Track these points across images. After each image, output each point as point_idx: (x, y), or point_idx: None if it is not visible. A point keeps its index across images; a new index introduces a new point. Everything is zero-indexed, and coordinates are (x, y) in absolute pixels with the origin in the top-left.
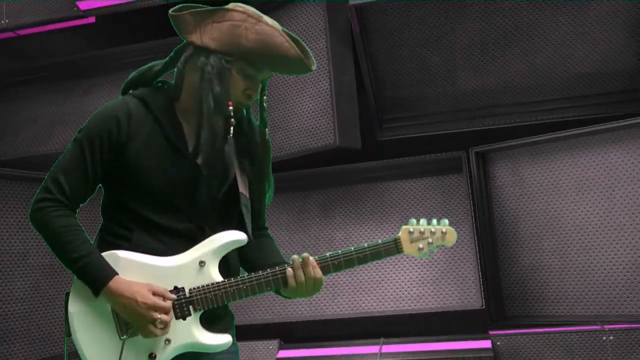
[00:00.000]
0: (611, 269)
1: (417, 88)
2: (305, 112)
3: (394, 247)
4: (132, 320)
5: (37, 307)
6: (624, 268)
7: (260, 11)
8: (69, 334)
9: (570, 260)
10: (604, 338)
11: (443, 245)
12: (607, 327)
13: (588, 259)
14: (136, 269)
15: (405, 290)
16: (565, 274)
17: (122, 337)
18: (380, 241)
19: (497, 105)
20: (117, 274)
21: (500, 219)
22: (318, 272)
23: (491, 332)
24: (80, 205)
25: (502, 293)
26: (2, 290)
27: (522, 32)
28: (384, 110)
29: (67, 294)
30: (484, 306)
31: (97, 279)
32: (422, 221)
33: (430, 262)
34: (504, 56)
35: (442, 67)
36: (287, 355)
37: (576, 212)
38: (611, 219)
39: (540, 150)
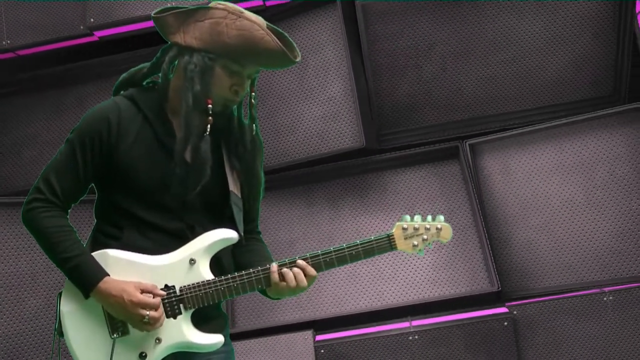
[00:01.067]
0: (598, 239)
1: (411, 98)
2: (323, 114)
3: (387, 244)
4: (123, 318)
5: (48, 324)
6: (608, 236)
7: (279, 17)
8: (61, 333)
9: (560, 235)
10: (605, 299)
11: (438, 242)
12: (606, 289)
13: (575, 232)
14: (126, 268)
15: (422, 276)
16: (556, 247)
17: (112, 337)
18: (373, 237)
19: (483, 116)
20: (107, 274)
21: (490, 203)
22: (311, 271)
23: (507, 304)
24: (72, 205)
25: (500, 271)
26: (13, 310)
27: (506, 38)
28: (382, 121)
29: (60, 294)
30: (500, 288)
31: (87, 281)
32: (417, 217)
33: (438, 246)
34: (491, 63)
35: (434, 74)
36: (325, 338)
37: (561, 193)
38: (592, 196)
39: (524, 141)
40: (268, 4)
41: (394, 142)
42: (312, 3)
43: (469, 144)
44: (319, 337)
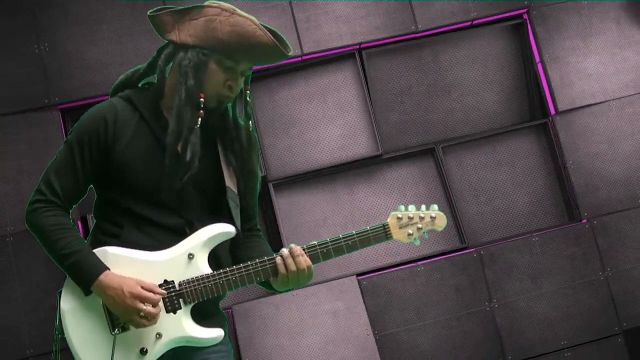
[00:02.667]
0: (521, 204)
1: (401, 125)
2: (342, 133)
3: (383, 233)
4: (120, 311)
5: None
6: (528, 202)
7: (312, 64)
8: (61, 331)
9: (498, 205)
10: (533, 240)
11: (433, 230)
12: (534, 234)
13: (508, 201)
14: (126, 264)
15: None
16: (497, 212)
17: (113, 333)
18: (368, 227)
19: (446, 138)
20: (108, 269)
21: (453, 184)
22: (307, 260)
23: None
24: (73, 206)
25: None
26: None
27: (456, 81)
28: (383, 138)
29: (59, 292)
30: (467, 244)
31: (88, 275)
32: (411, 207)
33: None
34: (449, 99)
35: (413, 107)
36: (365, 277)
37: (495, 176)
38: (515, 177)
39: (472, 146)
40: (305, 57)
41: (392, 153)
42: (338, 55)
43: (441, 147)
44: (360, 277)
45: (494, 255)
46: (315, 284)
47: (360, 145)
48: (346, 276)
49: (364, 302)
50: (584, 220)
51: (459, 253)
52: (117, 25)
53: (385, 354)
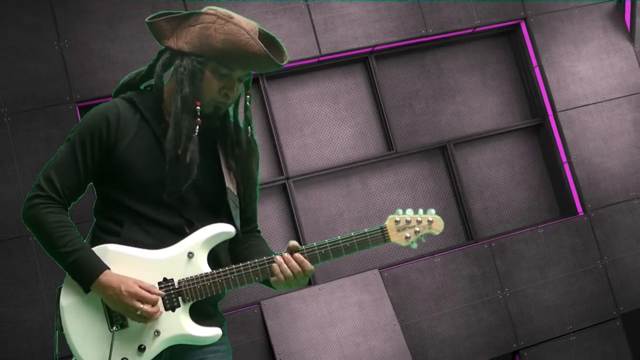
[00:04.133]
0: (524, 197)
1: (411, 127)
2: (353, 133)
3: (381, 236)
4: (120, 310)
5: None
6: (529, 197)
7: (327, 65)
8: (60, 328)
9: (503, 198)
10: (539, 232)
11: (430, 234)
12: (540, 226)
13: (512, 194)
14: (126, 262)
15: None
16: (501, 207)
17: (112, 330)
18: (367, 230)
19: (452, 137)
20: (108, 268)
21: (461, 180)
22: (307, 265)
23: (482, 242)
24: (72, 204)
25: (472, 223)
26: None
27: (460, 86)
28: (395, 139)
29: (59, 289)
30: (473, 238)
31: (88, 274)
32: (409, 211)
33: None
34: (454, 102)
35: (422, 110)
36: (389, 269)
37: (499, 172)
38: (516, 173)
39: (475, 144)
40: (321, 58)
41: (403, 151)
42: (353, 57)
43: (453, 144)
44: (382, 270)
45: (503, 246)
46: (340, 278)
47: (371, 145)
48: (369, 270)
49: (388, 293)
50: (582, 213)
51: (472, 245)
52: (138, 22)
53: (409, 342)
